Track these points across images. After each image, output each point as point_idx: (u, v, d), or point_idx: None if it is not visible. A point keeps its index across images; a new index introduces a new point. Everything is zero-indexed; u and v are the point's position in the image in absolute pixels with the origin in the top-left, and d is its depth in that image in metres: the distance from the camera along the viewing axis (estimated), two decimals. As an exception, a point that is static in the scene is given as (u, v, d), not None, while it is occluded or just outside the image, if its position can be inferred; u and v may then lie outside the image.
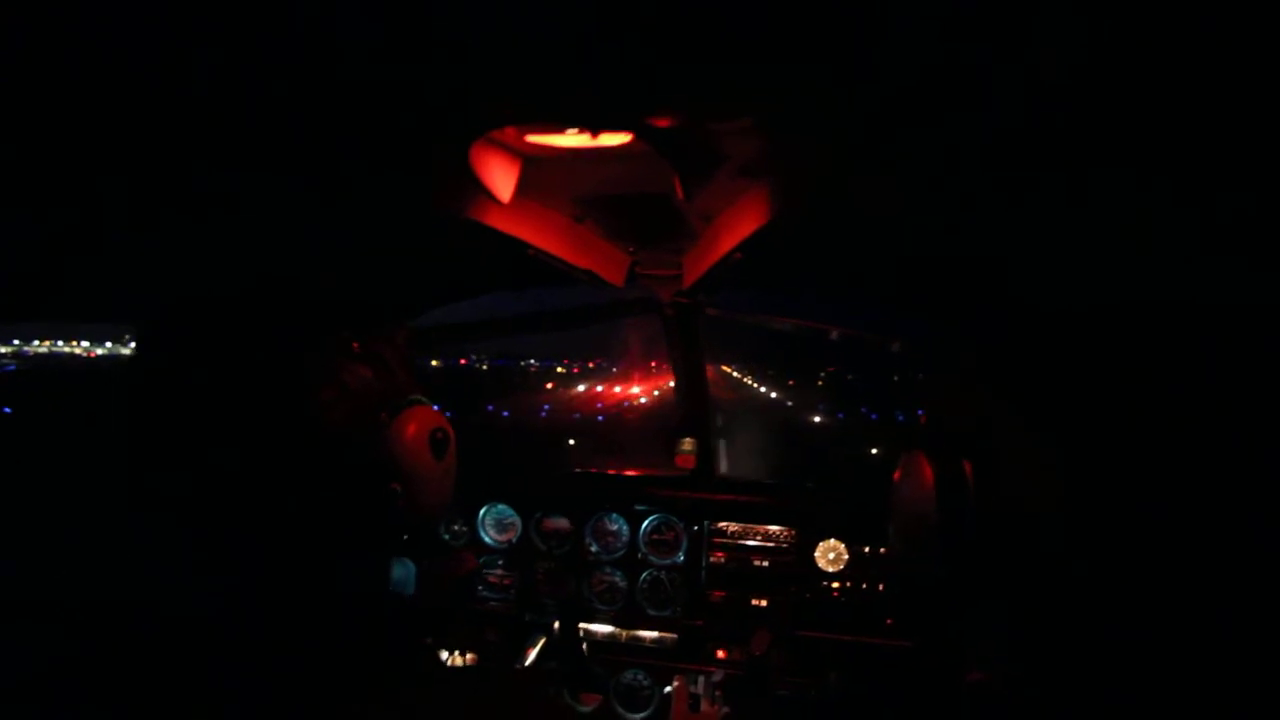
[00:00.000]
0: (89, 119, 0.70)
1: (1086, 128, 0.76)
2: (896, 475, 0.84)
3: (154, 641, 0.67)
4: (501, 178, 1.00)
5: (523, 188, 1.10)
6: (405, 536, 0.87)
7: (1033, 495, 0.73)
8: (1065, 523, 0.70)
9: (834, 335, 1.63)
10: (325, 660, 0.70)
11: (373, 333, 0.81)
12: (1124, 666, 0.66)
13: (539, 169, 1.13)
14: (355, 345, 0.77)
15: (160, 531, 0.70)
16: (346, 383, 0.74)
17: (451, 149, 0.85)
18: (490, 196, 0.99)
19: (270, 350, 0.72)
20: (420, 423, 0.79)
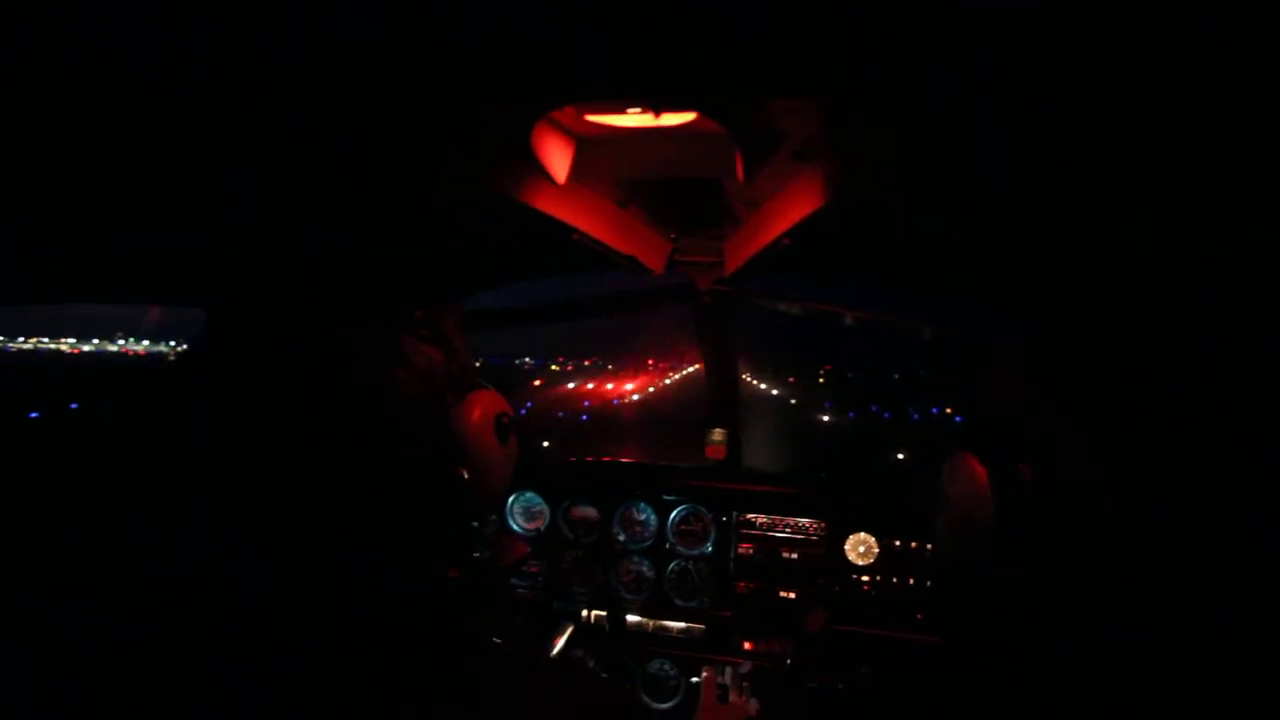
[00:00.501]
0: (157, 93, 0.69)
1: (1147, 122, 0.74)
2: (944, 475, 0.82)
3: (221, 618, 0.67)
4: (558, 158, 0.99)
5: (574, 170, 1.09)
6: (474, 523, 0.86)
7: (1094, 496, 0.71)
8: (1130, 523, 0.68)
9: (877, 322, 1.61)
10: (393, 642, 0.70)
11: (436, 312, 0.80)
12: (1186, 672, 0.65)
13: (590, 151, 1.12)
14: (422, 325, 0.76)
15: (228, 509, 0.70)
16: (416, 362, 0.73)
17: (516, 127, 0.84)
18: (546, 176, 0.98)
19: (341, 328, 0.72)
20: (485, 407, 0.78)
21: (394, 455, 0.72)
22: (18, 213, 0.91)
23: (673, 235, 1.49)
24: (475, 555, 1.34)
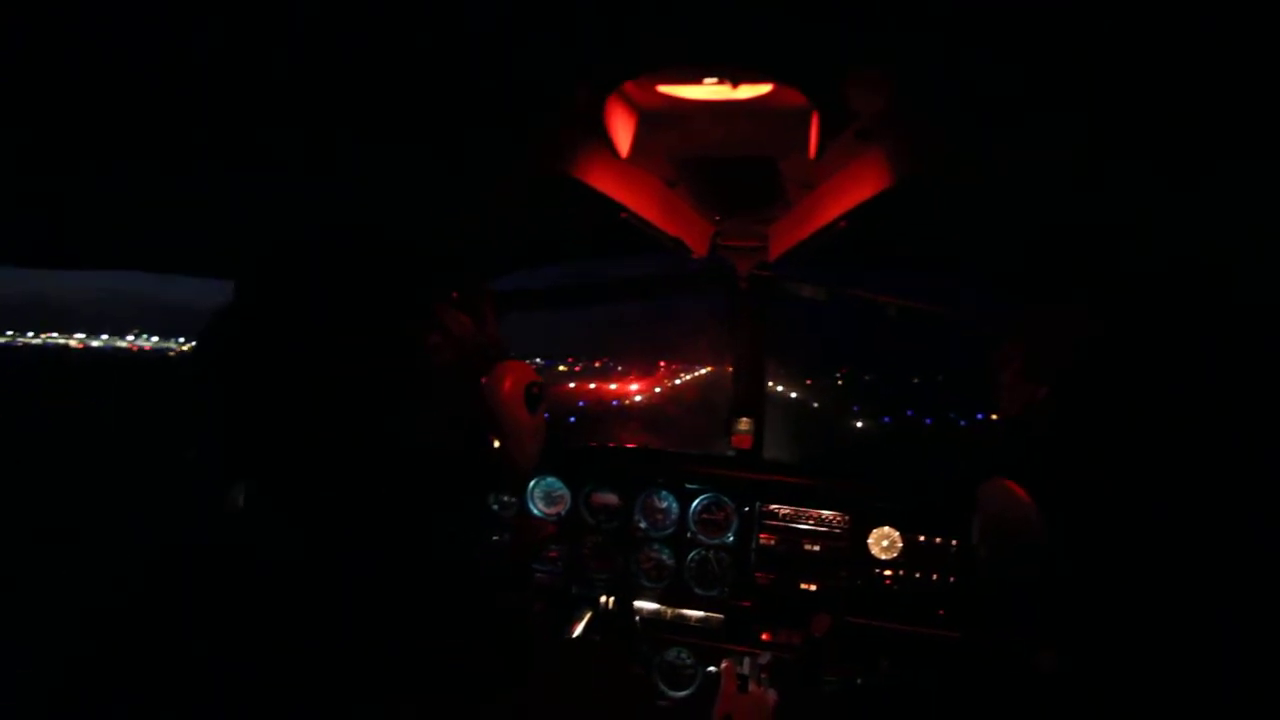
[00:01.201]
0: (199, 67, 0.67)
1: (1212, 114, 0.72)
2: (980, 499, 0.79)
3: (255, 586, 0.65)
4: (623, 131, 0.97)
5: (635, 145, 1.07)
6: (506, 494, 0.85)
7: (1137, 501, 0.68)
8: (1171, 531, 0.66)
9: (894, 323, 1.59)
10: (419, 613, 0.68)
11: (468, 284, 0.78)
12: (1207, 681, 0.63)
13: (649, 125, 1.09)
14: (455, 294, 0.75)
15: (258, 480, 0.68)
16: (450, 329, 0.72)
17: (593, 95, 0.81)
18: (609, 149, 0.95)
19: (376, 294, 0.70)
20: (517, 376, 0.78)
21: (429, 421, 0.70)
22: (54, 181, 0.89)
23: (717, 218, 1.47)
24: (496, 538, 1.33)
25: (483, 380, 0.77)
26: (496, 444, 0.78)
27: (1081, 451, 0.70)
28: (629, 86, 0.90)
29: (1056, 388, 0.73)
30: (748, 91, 0.89)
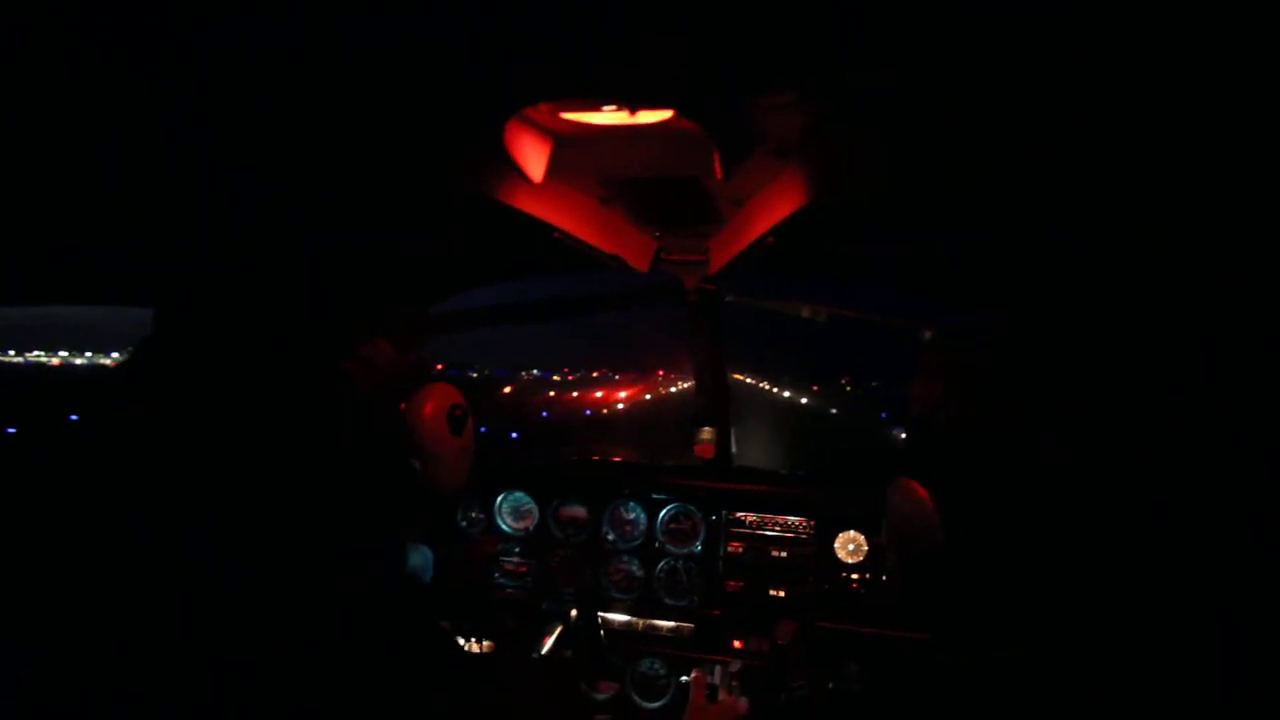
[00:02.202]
0: (104, 85, 0.67)
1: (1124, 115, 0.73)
2: (888, 500, 0.78)
3: (172, 622, 0.66)
4: (534, 157, 0.98)
5: (551, 168, 1.08)
6: (426, 515, 0.86)
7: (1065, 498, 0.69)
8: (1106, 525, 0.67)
9: (862, 322, 1.60)
10: (341, 640, 0.69)
11: (392, 310, 0.79)
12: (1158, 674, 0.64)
13: (568, 148, 1.10)
14: (375, 321, 0.76)
15: (178, 510, 0.68)
16: (367, 357, 0.73)
17: (488, 125, 0.82)
18: (521, 176, 0.96)
19: (291, 323, 0.71)
20: (439, 399, 0.79)
21: (345, 448, 0.71)
22: None
23: (658, 234, 1.48)
24: (444, 555, 1.33)
25: (401, 405, 0.78)
26: (417, 466, 0.79)
27: (973, 452, 0.71)
28: (532, 113, 0.91)
29: (953, 388, 0.74)
30: (649, 117, 0.90)
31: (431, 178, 1.02)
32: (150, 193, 0.95)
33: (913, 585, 0.97)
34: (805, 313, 1.73)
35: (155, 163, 0.87)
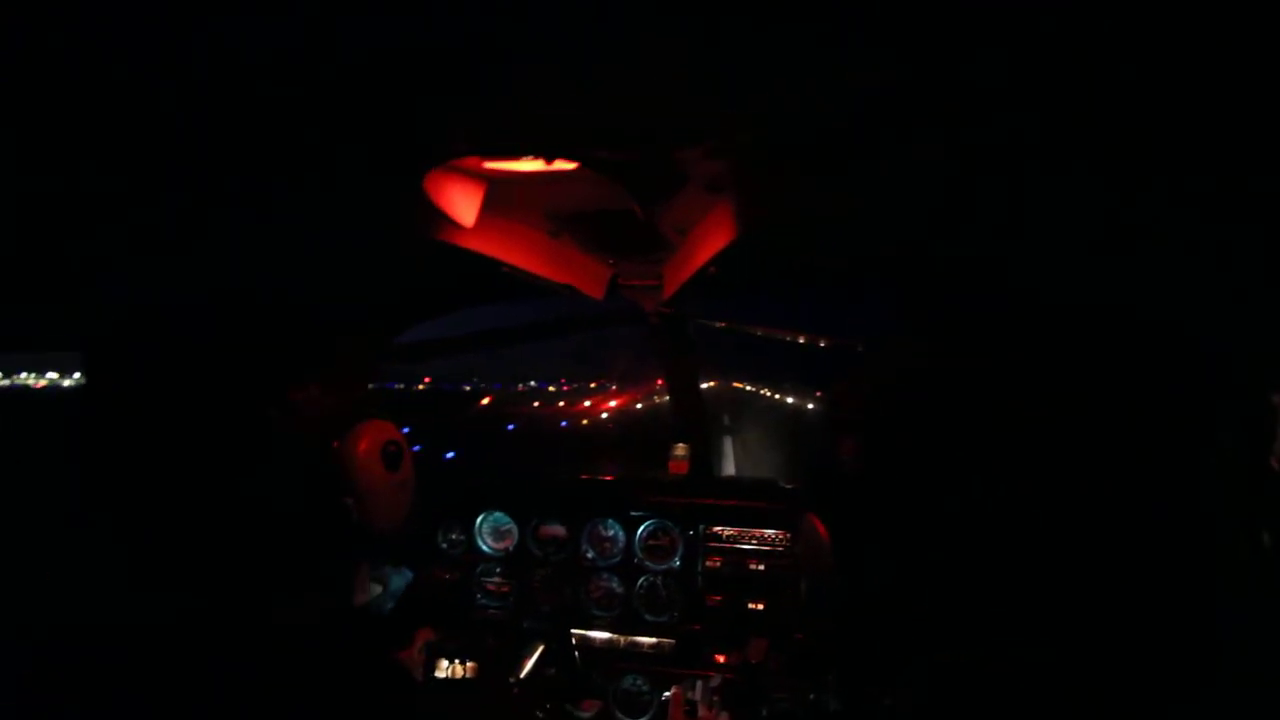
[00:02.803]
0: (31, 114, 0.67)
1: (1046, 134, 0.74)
2: (797, 533, 0.80)
3: (113, 660, 0.68)
4: (463, 203, 1.00)
5: (493, 205, 1.10)
6: (368, 547, 0.87)
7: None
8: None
9: (818, 344, 1.62)
10: (285, 672, 0.71)
11: (328, 349, 0.81)
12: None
13: (508, 187, 1.13)
14: (307, 362, 0.78)
15: (112, 549, 0.70)
16: (295, 399, 0.75)
17: (404, 181, 0.85)
18: (452, 220, 0.99)
19: (220, 368, 0.73)
20: (372, 437, 0.80)
21: (276, 490, 0.73)
22: None
23: (611, 261, 1.50)
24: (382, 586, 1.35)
25: (334, 444, 0.79)
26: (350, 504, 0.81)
27: (862, 494, 0.73)
28: (462, 163, 0.94)
29: (854, 423, 0.75)
30: (564, 165, 0.93)
31: (367, 219, 1.05)
32: (79, 233, 0.95)
33: (815, 601, 0.98)
34: (760, 333, 1.75)
35: (83, 202, 0.87)
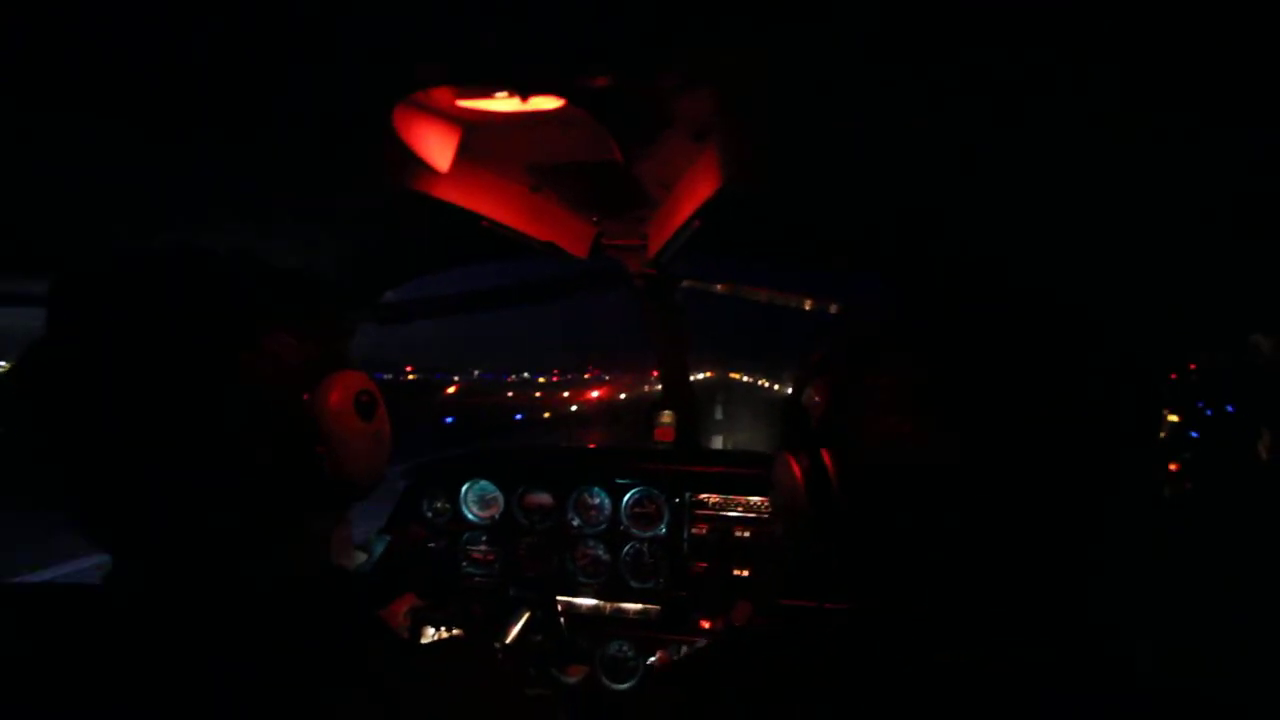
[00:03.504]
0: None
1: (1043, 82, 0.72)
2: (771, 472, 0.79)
3: (87, 627, 0.66)
4: (437, 145, 0.96)
5: (471, 155, 1.06)
6: (344, 501, 0.85)
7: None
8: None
9: (806, 307, 1.60)
10: (257, 632, 0.69)
11: (301, 300, 0.79)
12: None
13: (486, 135, 1.09)
14: (279, 313, 0.75)
15: (80, 511, 0.68)
16: (266, 346, 0.72)
17: (373, 116, 0.81)
18: (426, 166, 0.95)
19: (189, 313, 0.70)
20: (345, 386, 0.78)
21: (246, 441, 0.71)
22: None
23: (595, 219, 1.47)
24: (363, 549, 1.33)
25: (304, 395, 0.77)
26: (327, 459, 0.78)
27: (838, 430, 0.71)
28: (424, 99, 0.90)
29: (823, 366, 0.73)
30: (547, 104, 0.89)
31: (338, 169, 1.01)
32: (50, 184, 0.93)
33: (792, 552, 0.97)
34: (751, 296, 1.73)
35: (55, 153, 0.85)
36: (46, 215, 1.03)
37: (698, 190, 1.15)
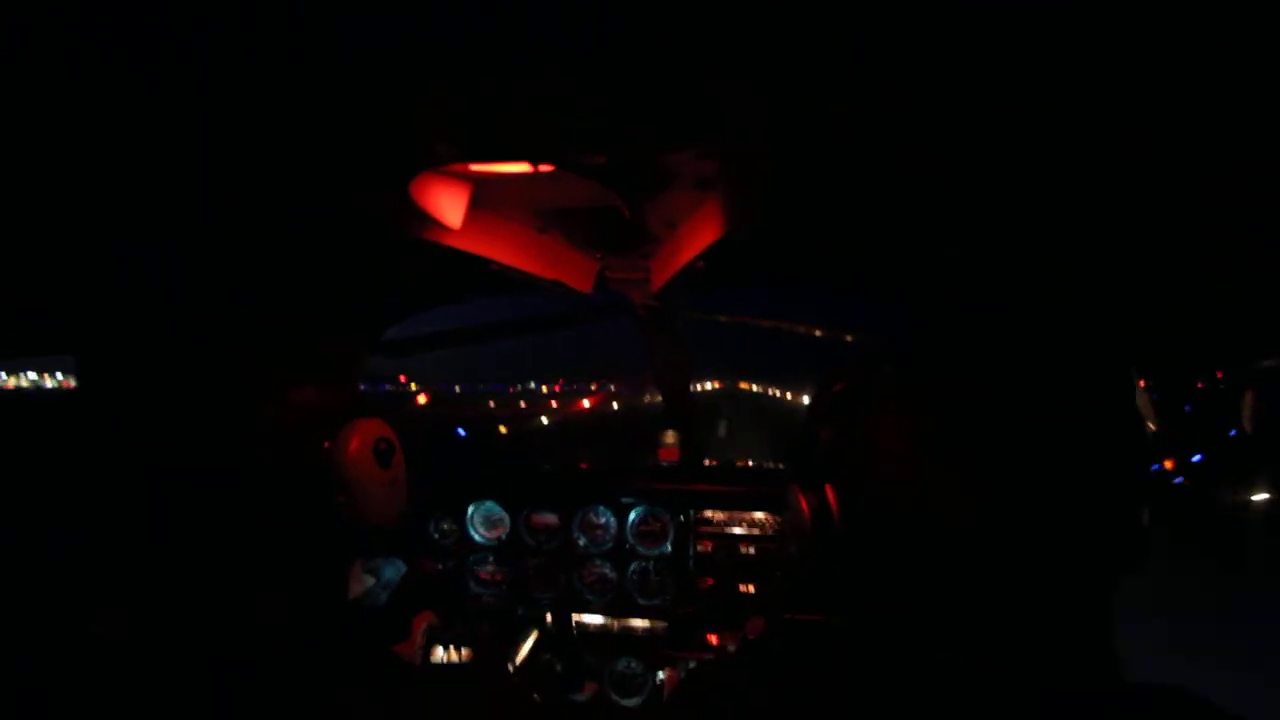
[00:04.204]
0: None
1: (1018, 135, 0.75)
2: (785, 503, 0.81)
3: (83, 665, 0.68)
4: (450, 205, 0.99)
5: (480, 203, 1.09)
6: (360, 544, 0.87)
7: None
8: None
9: (815, 334, 1.63)
10: (270, 671, 0.71)
11: (318, 346, 0.81)
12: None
13: (494, 185, 1.11)
14: (297, 361, 0.77)
15: (99, 555, 0.70)
16: (288, 398, 0.75)
17: (389, 187, 0.84)
18: (438, 222, 0.98)
19: (207, 363, 0.72)
20: (364, 435, 0.80)
21: (267, 489, 0.73)
22: None
23: (598, 255, 1.49)
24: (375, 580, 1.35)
25: (325, 444, 0.79)
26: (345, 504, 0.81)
27: (834, 462, 0.72)
28: (448, 168, 0.93)
29: (832, 399, 0.75)
30: (551, 166, 0.92)
31: (352, 217, 1.04)
32: (64, 232, 0.94)
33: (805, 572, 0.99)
34: (753, 325, 1.76)
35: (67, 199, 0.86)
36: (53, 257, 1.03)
37: (701, 234, 1.18)
